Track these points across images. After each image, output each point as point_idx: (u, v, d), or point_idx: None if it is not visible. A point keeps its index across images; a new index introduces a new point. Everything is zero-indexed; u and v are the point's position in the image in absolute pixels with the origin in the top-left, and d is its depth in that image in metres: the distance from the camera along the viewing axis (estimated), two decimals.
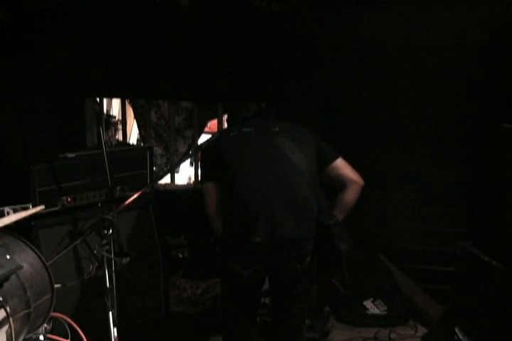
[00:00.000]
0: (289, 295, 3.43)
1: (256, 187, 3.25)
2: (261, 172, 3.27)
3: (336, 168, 3.45)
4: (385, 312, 4.58)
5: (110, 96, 6.72)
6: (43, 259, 2.89)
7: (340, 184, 3.47)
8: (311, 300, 4.14)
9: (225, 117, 5.44)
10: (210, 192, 3.38)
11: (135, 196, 3.33)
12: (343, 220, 3.47)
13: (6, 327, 2.54)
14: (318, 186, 3.39)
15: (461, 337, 3.92)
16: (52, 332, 3.07)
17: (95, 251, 3.54)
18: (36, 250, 2.90)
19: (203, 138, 6.79)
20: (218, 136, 3.48)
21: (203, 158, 3.50)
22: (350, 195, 3.46)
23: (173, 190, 5.99)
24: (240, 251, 3.30)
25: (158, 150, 7.32)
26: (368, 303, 4.59)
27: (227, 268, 3.34)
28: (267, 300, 3.97)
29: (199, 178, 3.48)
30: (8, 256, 2.70)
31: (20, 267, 2.71)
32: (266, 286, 3.55)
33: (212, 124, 7.31)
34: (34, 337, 2.90)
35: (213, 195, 3.37)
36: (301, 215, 3.28)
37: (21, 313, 2.67)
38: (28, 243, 2.90)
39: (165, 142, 7.28)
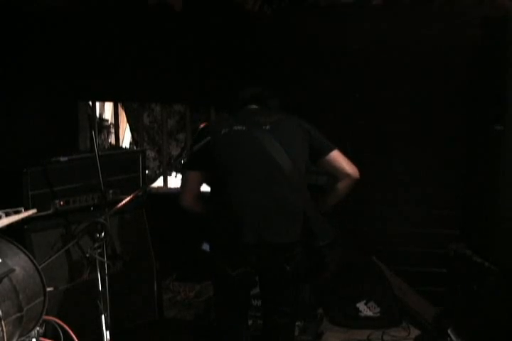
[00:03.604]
0: (280, 295, 3.42)
1: (244, 192, 3.24)
2: (249, 176, 3.26)
3: (331, 161, 3.39)
4: (378, 314, 4.57)
5: (103, 100, 6.71)
6: (36, 262, 2.89)
7: (335, 176, 3.43)
8: (303, 300, 4.14)
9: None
10: (192, 180, 3.36)
11: (127, 199, 3.34)
12: (330, 210, 3.48)
13: None
14: (306, 190, 3.37)
15: (454, 338, 3.92)
16: (44, 335, 3.08)
17: (88, 255, 3.53)
18: (28, 253, 2.90)
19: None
20: (210, 132, 3.40)
21: (193, 149, 3.41)
22: (343, 186, 3.43)
23: (166, 192, 5.97)
24: (228, 252, 3.30)
25: (150, 154, 7.33)
26: (360, 305, 4.59)
27: (216, 268, 3.35)
28: (259, 303, 3.98)
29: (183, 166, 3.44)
30: (0, 260, 2.70)
31: (13, 270, 2.71)
32: (258, 289, 3.56)
33: None
34: (27, 340, 2.90)
35: (195, 183, 3.36)
36: (288, 220, 3.27)
37: (13, 316, 2.67)
38: (21, 246, 2.90)
39: (158, 145, 7.30)
